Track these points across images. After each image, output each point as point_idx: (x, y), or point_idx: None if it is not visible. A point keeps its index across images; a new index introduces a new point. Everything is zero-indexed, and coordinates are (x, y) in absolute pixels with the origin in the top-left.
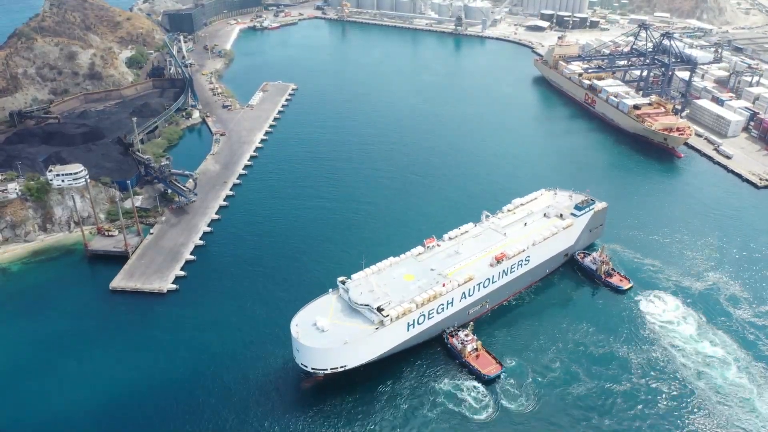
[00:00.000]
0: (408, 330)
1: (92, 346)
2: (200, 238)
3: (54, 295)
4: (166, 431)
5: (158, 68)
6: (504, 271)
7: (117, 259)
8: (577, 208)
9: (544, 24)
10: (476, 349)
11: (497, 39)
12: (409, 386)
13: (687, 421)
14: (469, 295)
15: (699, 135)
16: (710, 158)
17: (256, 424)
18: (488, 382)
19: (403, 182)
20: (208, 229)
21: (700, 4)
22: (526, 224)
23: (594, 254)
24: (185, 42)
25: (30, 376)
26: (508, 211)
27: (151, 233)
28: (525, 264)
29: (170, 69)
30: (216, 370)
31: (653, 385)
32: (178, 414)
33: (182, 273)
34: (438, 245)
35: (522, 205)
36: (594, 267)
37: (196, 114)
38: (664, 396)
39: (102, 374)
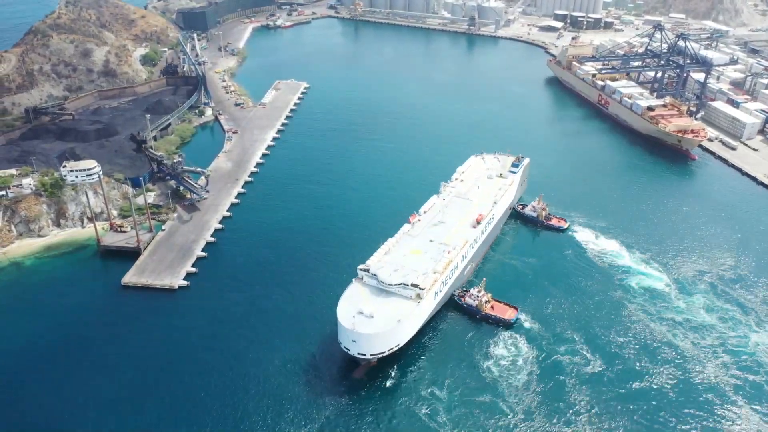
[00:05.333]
0: (434, 299)
1: (104, 341)
2: (212, 235)
3: (66, 289)
4: (174, 426)
5: (172, 66)
6: (482, 230)
7: (129, 255)
8: (514, 165)
9: (558, 24)
10: (488, 301)
11: (510, 39)
12: (447, 348)
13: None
14: (465, 257)
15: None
16: (725, 161)
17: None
18: (512, 325)
19: (397, 174)
20: (220, 226)
21: (716, 5)
22: (479, 187)
23: (533, 203)
24: (199, 40)
25: (41, 370)
26: (456, 179)
27: (163, 230)
28: (492, 222)
29: (184, 67)
30: (230, 365)
31: (599, 287)
32: (188, 410)
33: (193, 269)
34: (419, 220)
35: (464, 172)
36: (535, 214)
37: (208, 112)
38: (607, 293)
39: (112, 368)
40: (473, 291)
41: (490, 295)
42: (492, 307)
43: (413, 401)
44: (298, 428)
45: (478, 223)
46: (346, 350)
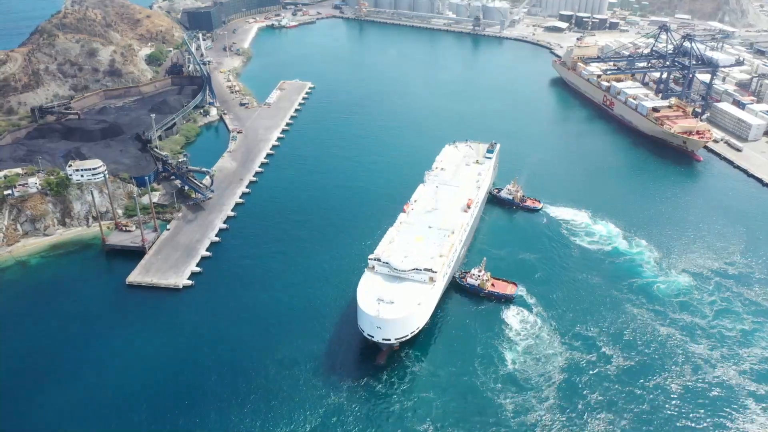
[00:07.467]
0: (443, 281)
1: (109, 340)
2: (216, 235)
3: (71, 288)
4: (180, 425)
5: (177, 66)
6: (472, 214)
7: (134, 254)
8: (489, 151)
9: (563, 25)
10: (488, 280)
11: (515, 39)
12: (460, 326)
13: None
14: (462, 240)
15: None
16: (730, 162)
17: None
18: (513, 299)
19: (393, 170)
20: (224, 225)
21: (722, 6)
22: (460, 174)
23: (508, 186)
24: (204, 40)
25: (46, 369)
26: (436, 168)
27: (168, 229)
28: (477, 205)
29: (189, 66)
30: (235, 363)
31: (581, 261)
32: (193, 409)
33: (198, 269)
34: (413, 209)
35: (442, 161)
36: (510, 197)
37: (213, 111)
38: (590, 267)
39: (117, 367)
40: (474, 271)
41: (489, 273)
42: (492, 284)
43: (436, 383)
44: (333, 421)
45: (469, 207)
46: (369, 337)
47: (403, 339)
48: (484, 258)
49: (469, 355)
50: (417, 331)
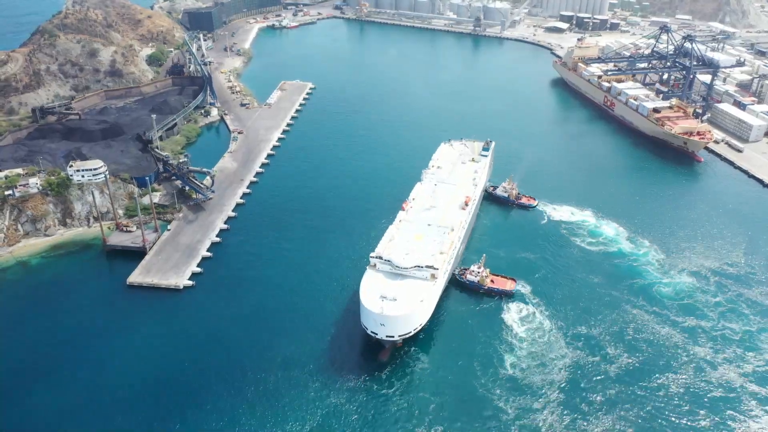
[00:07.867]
0: (443, 278)
1: (109, 340)
2: (217, 236)
3: (72, 288)
4: (180, 426)
5: (178, 66)
6: (470, 211)
7: (134, 255)
8: (484, 149)
9: (564, 25)
10: (488, 276)
11: (516, 40)
12: (461, 323)
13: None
14: (460, 238)
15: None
16: (731, 162)
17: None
18: (513, 295)
19: (391, 170)
20: (225, 226)
21: (723, 6)
22: (457, 172)
23: (503, 184)
24: (205, 40)
25: (46, 369)
26: (433, 166)
27: (169, 229)
28: (474, 203)
29: (189, 67)
30: (235, 363)
31: (576, 258)
32: (194, 409)
33: (199, 269)
34: (411, 207)
35: (438, 159)
36: (506, 194)
37: (214, 112)
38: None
39: (117, 368)
40: (473, 268)
41: (488, 270)
42: (492, 281)
43: (437, 382)
44: (334, 420)
45: (467, 204)
46: (373, 334)
47: (407, 335)
48: (484, 255)
49: (469, 353)
50: (420, 327)
